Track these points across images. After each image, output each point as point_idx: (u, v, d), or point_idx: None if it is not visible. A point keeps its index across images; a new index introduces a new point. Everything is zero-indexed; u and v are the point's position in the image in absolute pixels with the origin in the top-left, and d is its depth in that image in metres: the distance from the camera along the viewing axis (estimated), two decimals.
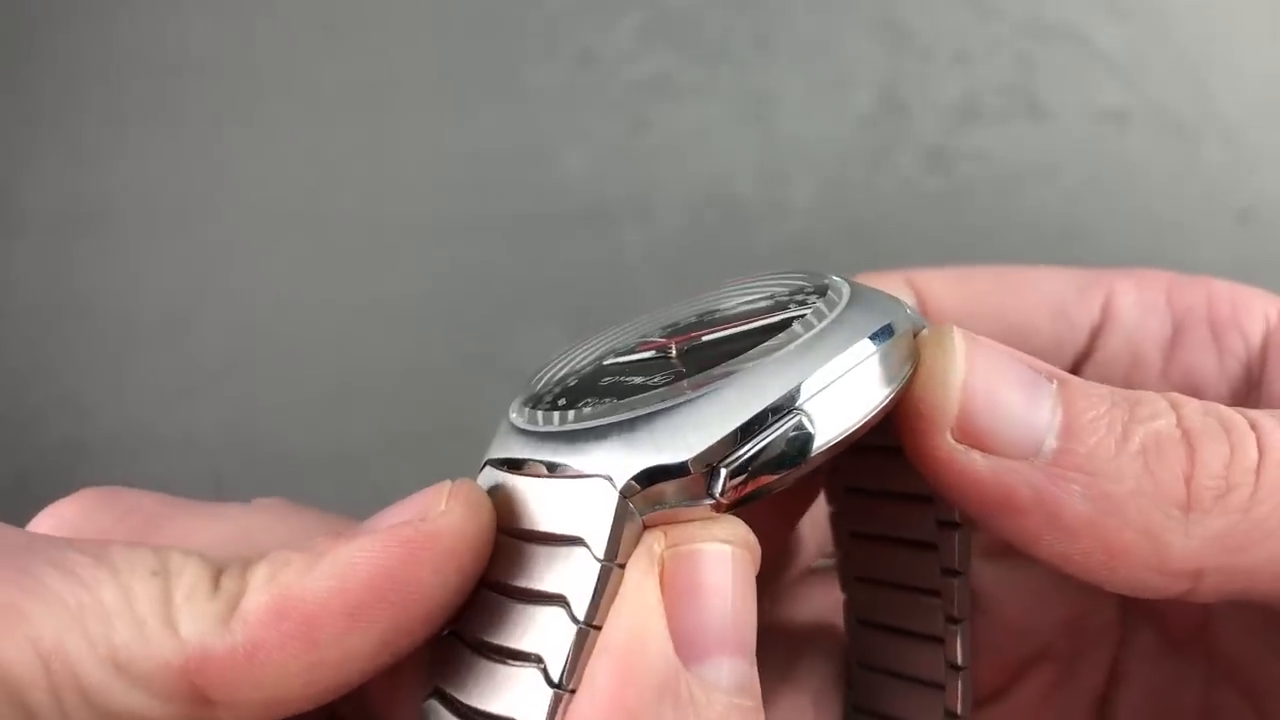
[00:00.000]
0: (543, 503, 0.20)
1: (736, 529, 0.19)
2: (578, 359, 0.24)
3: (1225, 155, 0.51)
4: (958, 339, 0.22)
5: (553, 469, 0.20)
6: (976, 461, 0.21)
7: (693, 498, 0.19)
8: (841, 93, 0.52)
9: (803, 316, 0.21)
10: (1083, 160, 0.51)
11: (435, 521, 0.20)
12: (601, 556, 0.19)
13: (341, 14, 0.54)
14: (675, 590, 0.19)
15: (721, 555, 0.19)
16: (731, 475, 0.18)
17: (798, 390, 0.19)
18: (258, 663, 0.19)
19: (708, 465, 0.18)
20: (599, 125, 0.53)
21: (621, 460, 0.19)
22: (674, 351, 0.22)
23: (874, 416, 0.20)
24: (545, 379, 0.23)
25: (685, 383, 0.19)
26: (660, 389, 0.20)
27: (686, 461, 0.18)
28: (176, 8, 0.54)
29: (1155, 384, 0.30)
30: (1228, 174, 0.51)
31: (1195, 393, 0.28)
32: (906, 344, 0.22)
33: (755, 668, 0.19)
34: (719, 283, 0.26)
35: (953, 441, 0.21)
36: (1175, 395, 0.22)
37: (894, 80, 0.52)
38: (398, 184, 0.53)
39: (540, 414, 0.21)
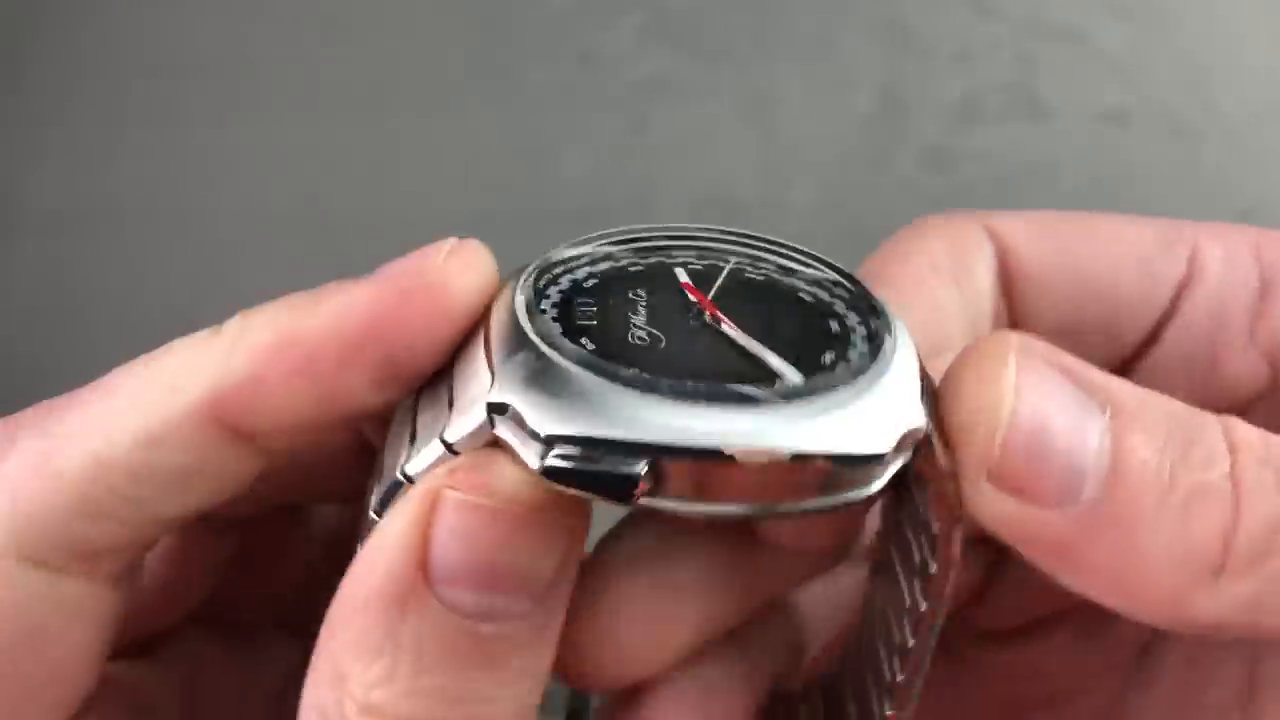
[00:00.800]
0: (481, 360, 0.21)
1: (540, 491, 0.20)
2: (602, 250, 0.25)
3: (1225, 155, 0.51)
4: (1011, 368, 0.20)
5: (509, 349, 0.21)
6: (1008, 509, 0.20)
7: (527, 453, 0.19)
8: (841, 93, 0.52)
9: (837, 373, 0.21)
10: (1083, 160, 0.51)
11: (429, 273, 0.21)
12: (443, 436, 0.20)
13: (341, 14, 0.54)
14: (444, 517, 0.20)
15: (498, 510, 0.20)
16: (559, 458, 0.19)
17: (668, 448, 0.19)
18: (264, 394, 0.21)
19: (551, 440, 0.19)
20: (599, 125, 0.53)
21: (517, 388, 0.20)
22: (706, 319, 0.23)
23: (747, 517, 0.20)
24: (568, 258, 0.24)
25: (659, 381, 0.20)
26: (625, 372, 0.20)
27: (542, 435, 0.19)
28: (176, 8, 0.54)
29: (1240, 345, 0.28)
30: (1228, 174, 0.51)
31: (1277, 371, 0.27)
32: (871, 472, 0.21)
33: (518, 604, 0.20)
34: (756, 228, 0.26)
35: (987, 489, 0.20)
36: (1238, 433, 0.21)
37: (894, 80, 0.52)
38: (398, 184, 0.53)
39: (535, 313, 0.21)
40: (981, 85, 0.52)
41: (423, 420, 0.21)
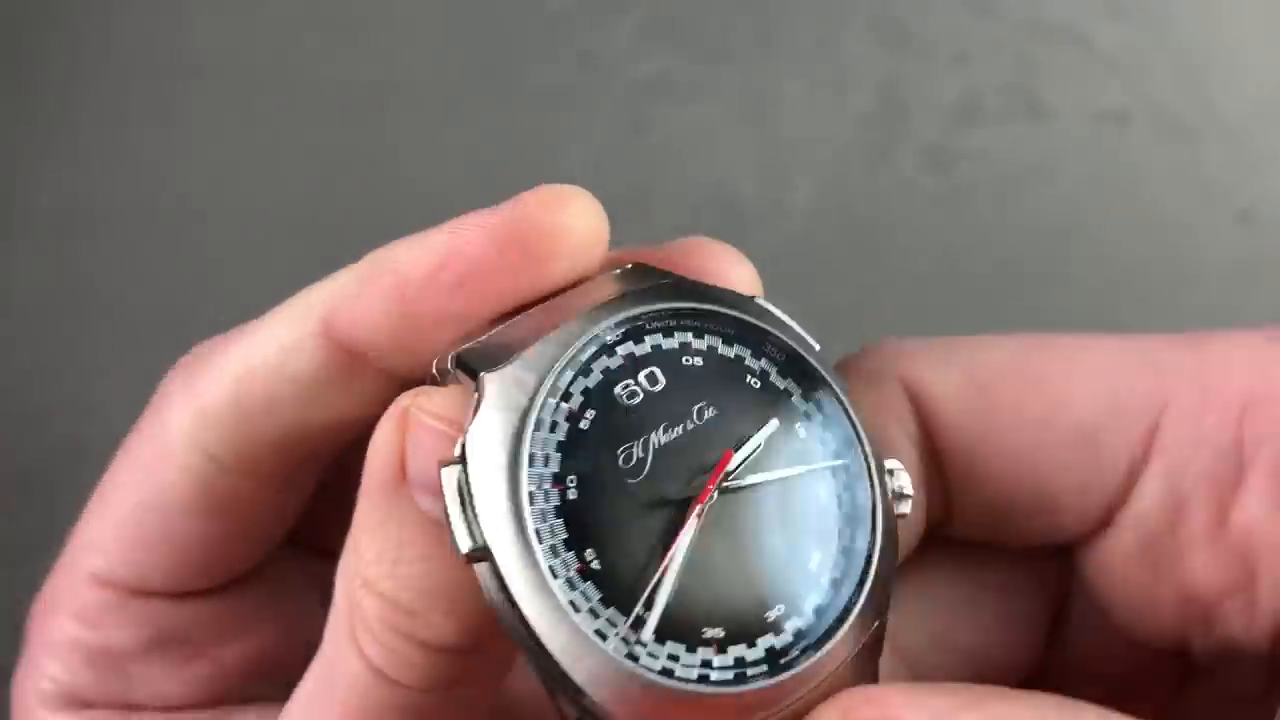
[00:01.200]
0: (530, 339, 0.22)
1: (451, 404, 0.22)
2: (762, 323, 0.24)
3: (1225, 155, 0.51)
4: None
5: (516, 387, 0.22)
6: None
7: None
8: (841, 93, 0.52)
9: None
10: (1083, 160, 0.51)
11: (504, 212, 0.23)
12: (458, 351, 0.23)
13: (341, 14, 0.54)
14: (411, 431, 0.22)
15: (449, 436, 0.21)
16: (453, 476, 0.21)
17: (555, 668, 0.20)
18: (364, 312, 0.24)
19: (463, 459, 0.21)
20: (599, 125, 0.53)
21: (489, 412, 0.21)
22: (690, 503, 0.22)
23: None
24: (715, 314, 0.24)
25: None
26: (537, 522, 0.21)
27: (462, 451, 0.21)
28: (176, 8, 0.54)
29: (1205, 538, 0.25)
30: (1228, 174, 0.51)
31: (1252, 570, 0.25)
32: None
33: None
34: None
35: None
36: None
37: (894, 80, 0.52)
38: (398, 184, 0.53)
39: (579, 367, 0.22)
40: (981, 85, 0.52)
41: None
